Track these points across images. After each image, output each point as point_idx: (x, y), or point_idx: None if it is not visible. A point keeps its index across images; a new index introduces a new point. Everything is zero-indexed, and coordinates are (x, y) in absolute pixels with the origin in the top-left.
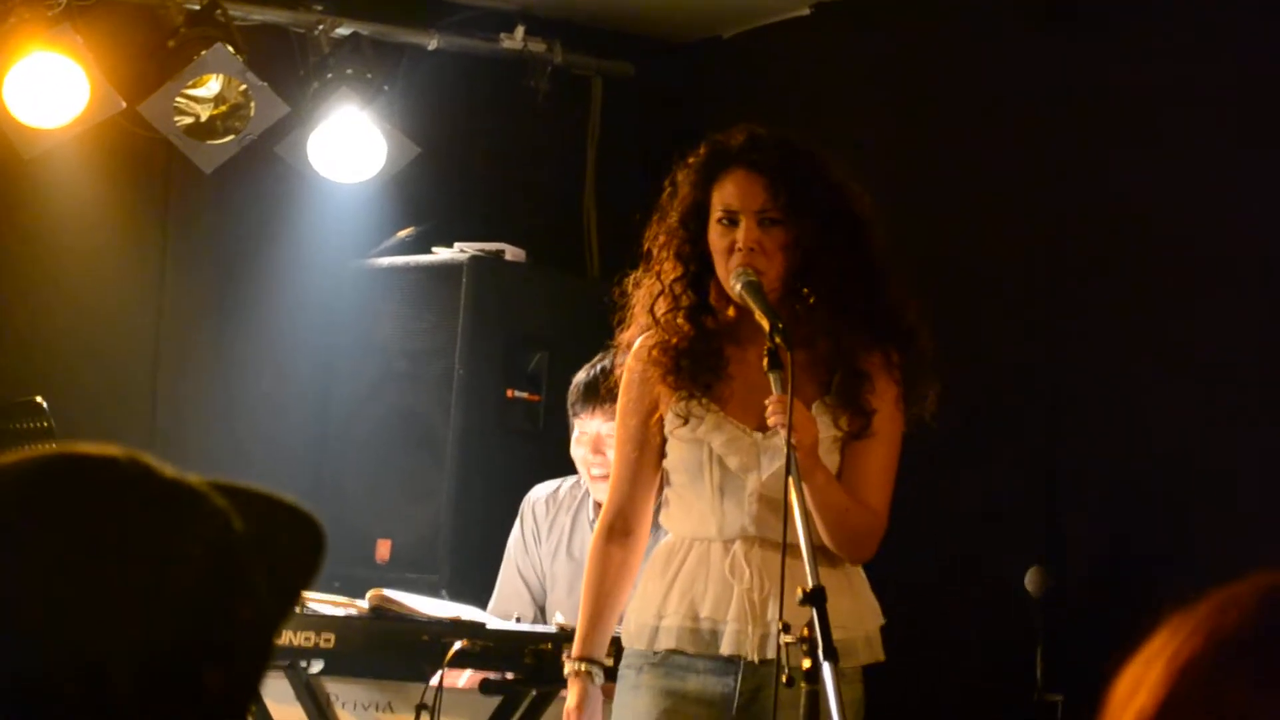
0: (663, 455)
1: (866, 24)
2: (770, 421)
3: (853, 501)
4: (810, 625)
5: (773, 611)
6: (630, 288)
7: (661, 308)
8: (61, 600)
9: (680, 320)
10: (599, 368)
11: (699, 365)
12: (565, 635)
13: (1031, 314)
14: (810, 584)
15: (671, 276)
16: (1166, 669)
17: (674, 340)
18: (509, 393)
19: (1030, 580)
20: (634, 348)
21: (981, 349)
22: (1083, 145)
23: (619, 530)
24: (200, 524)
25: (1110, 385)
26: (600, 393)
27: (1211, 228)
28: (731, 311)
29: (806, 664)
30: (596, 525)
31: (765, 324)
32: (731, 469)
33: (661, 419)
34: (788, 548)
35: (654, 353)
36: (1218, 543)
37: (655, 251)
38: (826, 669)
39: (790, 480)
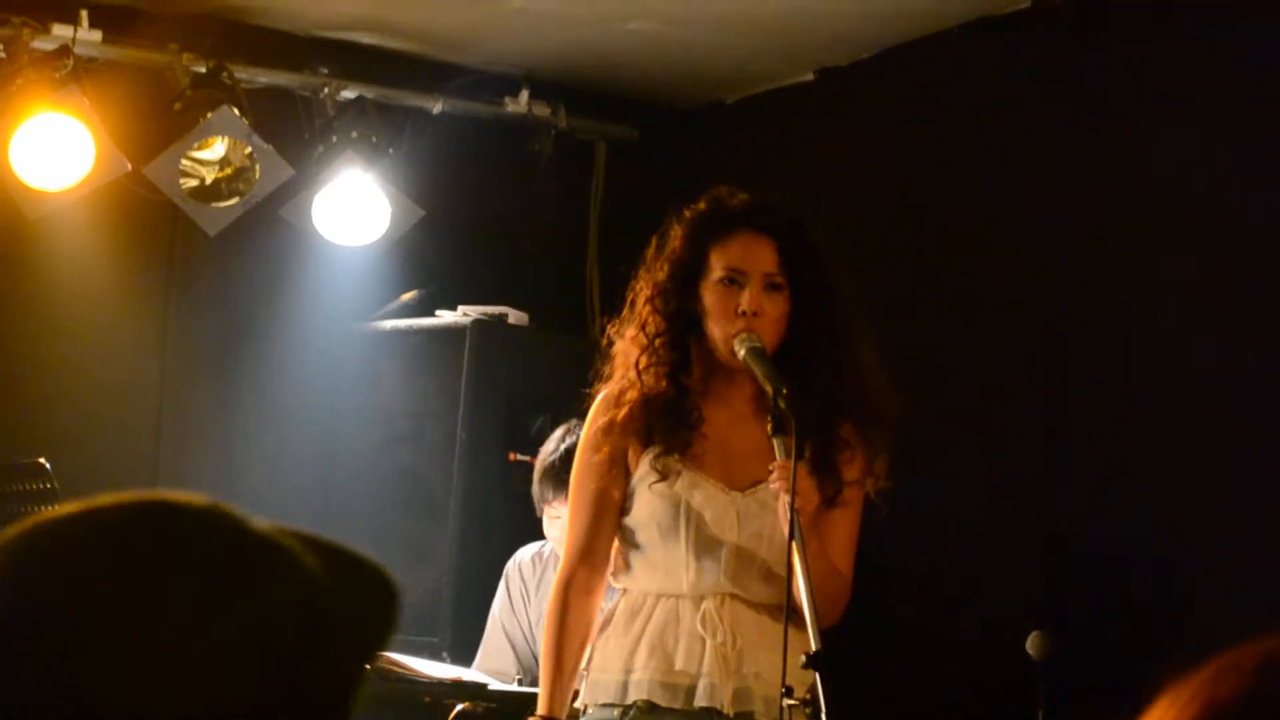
0: (623, 512)
1: (870, 90)
2: (773, 487)
3: (832, 568)
4: (812, 688)
5: (749, 666)
6: (613, 337)
7: (644, 362)
8: (156, 653)
9: (661, 376)
10: (563, 448)
11: (677, 422)
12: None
13: (1032, 370)
14: (813, 647)
15: (655, 330)
16: None
17: (653, 396)
18: (511, 456)
19: (1032, 644)
20: (602, 397)
21: (981, 408)
22: (1085, 209)
23: (581, 587)
24: (290, 580)
25: (1113, 444)
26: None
27: (1216, 258)
28: (699, 368)
29: None
30: (556, 580)
31: (769, 389)
32: (708, 525)
33: (628, 474)
34: (762, 608)
35: (633, 408)
36: (1224, 606)
37: (640, 304)
38: None
39: (795, 545)
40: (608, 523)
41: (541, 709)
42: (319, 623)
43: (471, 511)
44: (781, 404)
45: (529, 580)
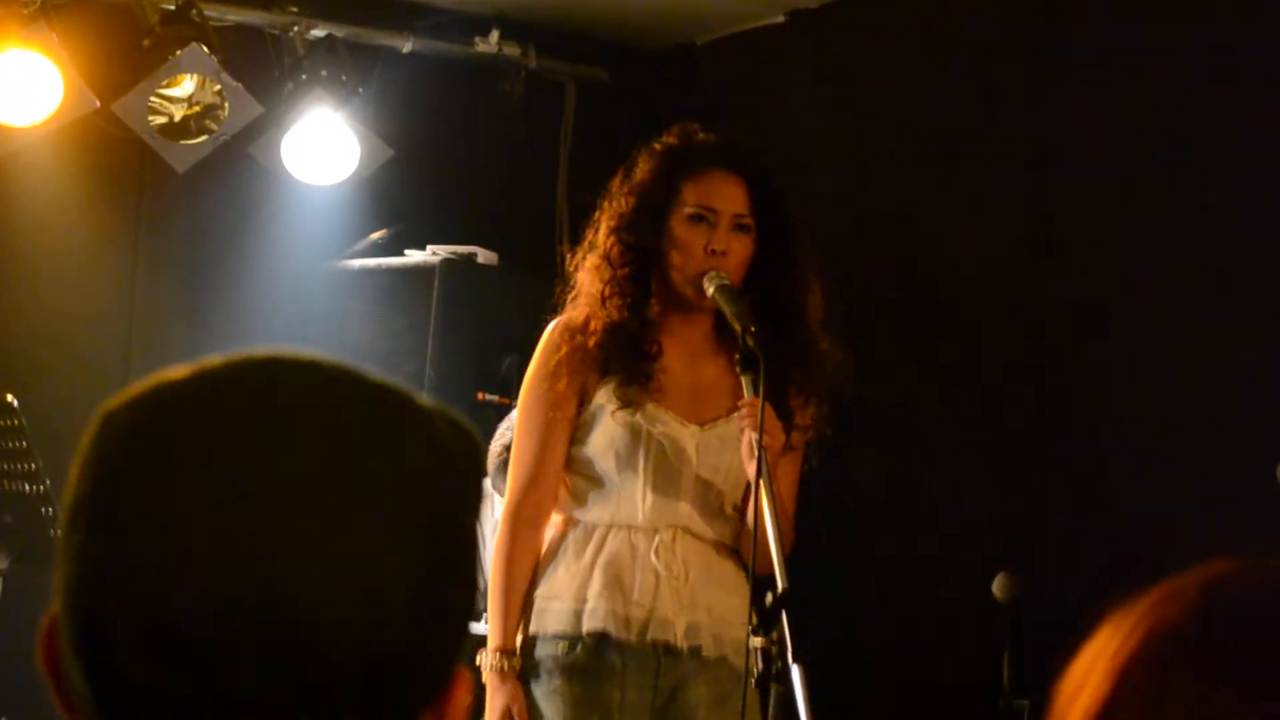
0: (574, 441)
1: (841, 31)
2: (742, 424)
3: (786, 510)
4: (779, 628)
5: (701, 600)
6: (574, 268)
7: (607, 292)
8: (328, 524)
9: (623, 308)
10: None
11: (640, 354)
12: None
13: (1008, 316)
14: (780, 587)
15: (619, 262)
16: (1109, 667)
17: (617, 326)
18: (480, 395)
19: (998, 586)
20: (555, 325)
21: (955, 353)
22: (1063, 150)
23: (529, 517)
24: (427, 433)
25: (1087, 392)
26: None
27: (1201, 228)
28: (658, 302)
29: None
30: (503, 510)
31: (738, 327)
32: (668, 458)
33: (582, 404)
34: (711, 544)
35: (592, 336)
36: (1195, 548)
37: (602, 235)
38: (795, 671)
39: (762, 482)
40: (557, 452)
41: (495, 641)
42: (450, 467)
43: None
44: (750, 342)
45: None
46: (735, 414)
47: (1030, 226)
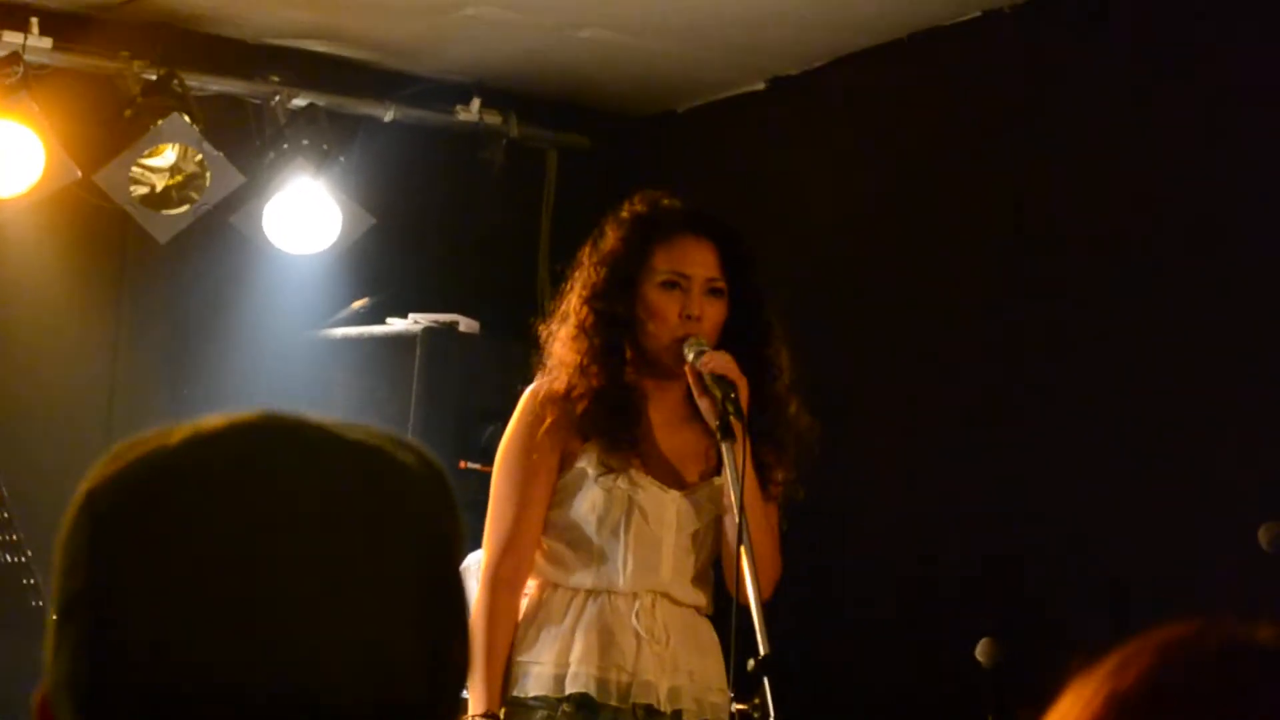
0: (554, 506)
1: (821, 99)
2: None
3: (776, 547)
4: (761, 693)
5: (682, 665)
6: (546, 338)
7: (585, 361)
8: (335, 594)
9: (601, 375)
10: None
11: (622, 419)
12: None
13: (983, 382)
14: (763, 650)
15: (593, 331)
16: None
17: (597, 394)
18: (462, 463)
19: (981, 651)
20: (530, 393)
21: (931, 412)
22: (1037, 216)
23: (506, 580)
24: (411, 487)
25: (1061, 456)
26: None
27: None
28: (633, 370)
29: None
30: (481, 575)
31: (718, 394)
32: (649, 524)
33: (561, 470)
34: (689, 609)
35: (569, 403)
36: (1174, 606)
37: (576, 302)
38: None
39: (742, 550)
40: (534, 516)
41: (478, 706)
42: (435, 519)
43: None
44: (730, 408)
45: (472, 586)
46: (714, 479)
47: (1011, 287)
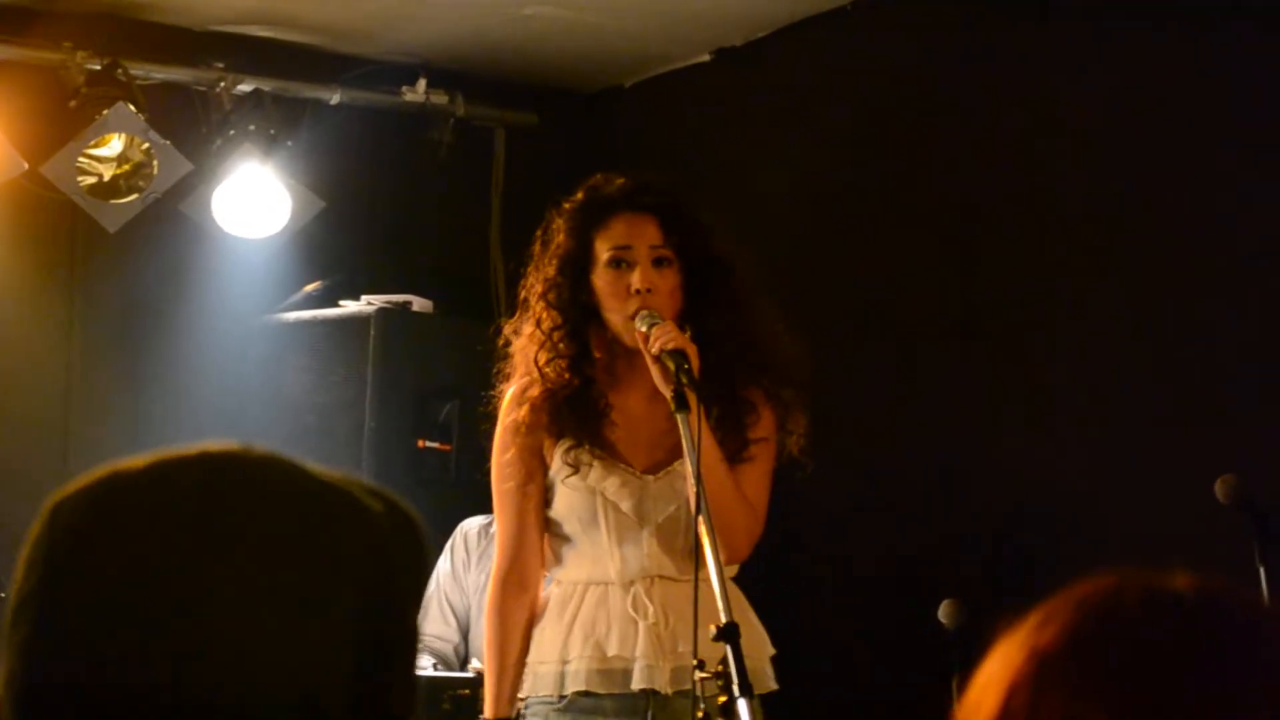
0: (547, 504)
1: (767, 69)
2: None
3: (741, 498)
4: (724, 660)
5: (683, 644)
6: (510, 337)
7: (543, 358)
8: (266, 622)
9: (564, 369)
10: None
11: (585, 413)
12: (483, 680)
13: (943, 349)
14: (723, 619)
15: (551, 325)
16: (997, 690)
17: (558, 390)
18: (420, 443)
19: (944, 613)
20: (509, 396)
21: (890, 380)
22: (984, 184)
23: (515, 584)
24: (361, 522)
25: (1021, 423)
26: None
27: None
28: (601, 354)
29: (722, 699)
30: (491, 577)
31: (670, 365)
32: (625, 513)
33: (547, 467)
34: (690, 584)
35: (538, 402)
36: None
37: (533, 301)
38: (742, 704)
39: (701, 520)
40: (532, 518)
41: (489, 711)
42: (388, 560)
43: None
44: (684, 379)
45: (472, 550)
46: (682, 457)
47: (965, 257)
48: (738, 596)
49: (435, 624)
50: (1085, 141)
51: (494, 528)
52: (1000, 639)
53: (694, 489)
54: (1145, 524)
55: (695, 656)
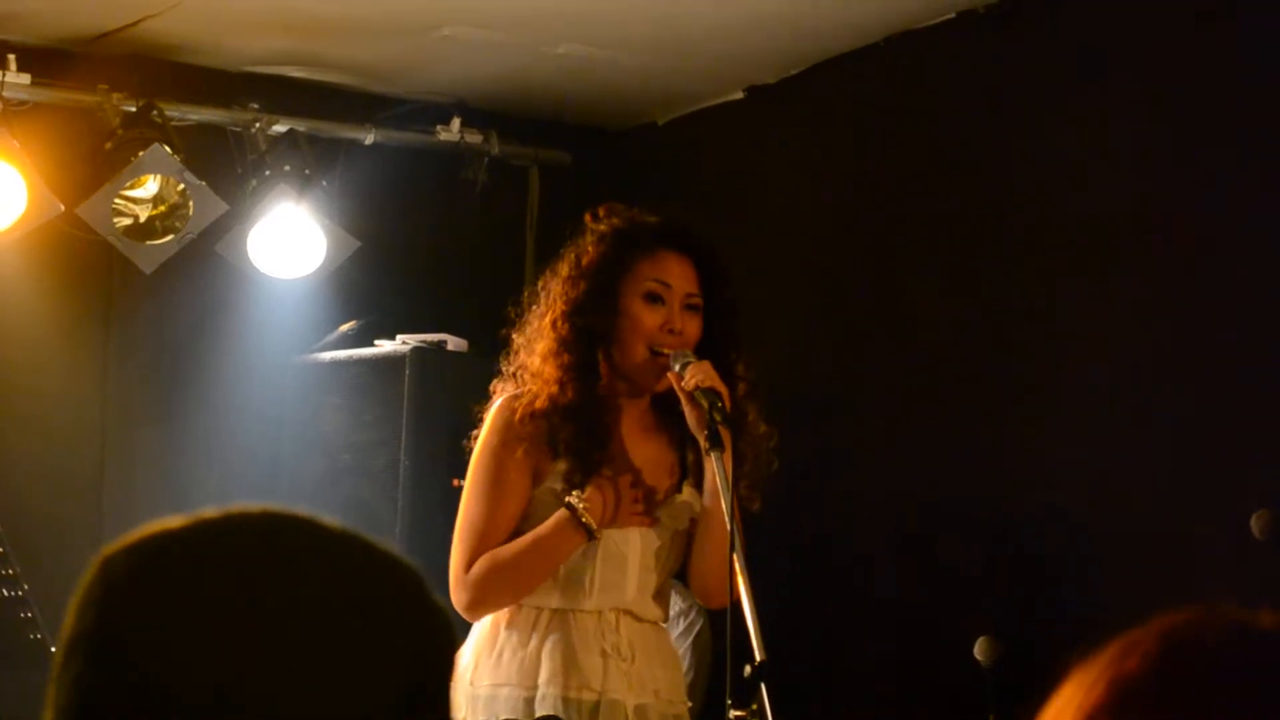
0: (524, 517)
1: (799, 106)
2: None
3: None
4: (759, 700)
5: (649, 682)
6: (516, 347)
7: (555, 374)
8: (290, 666)
9: (574, 391)
10: None
11: (590, 436)
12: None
13: (972, 385)
14: (758, 657)
15: (569, 345)
16: (1071, 719)
17: (566, 408)
18: (455, 481)
19: (980, 649)
20: (502, 403)
21: (921, 414)
22: (1015, 217)
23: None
24: (408, 586)
25: (1057, 455)
26: None
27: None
28: (606, 383)
29: None
30: (454, 572)
31: (705, 404)
32: (615, 542)
33: (537, 480)
34: (650, 625)
35: (539, 414)
36: (1172, 596)
37: (551, 316)
38: None
39: (735, 557)
40: (506, 519)
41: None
42: (432, 627)
43: (418, 537)
44: (718, 417)
45: None
46: (676, 496)
47: (988, 285)
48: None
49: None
50: (1116, 169)
51: None
52: (1075, 669)
53: (727, 527)
54: (1183, 560)
55: (729, 697)
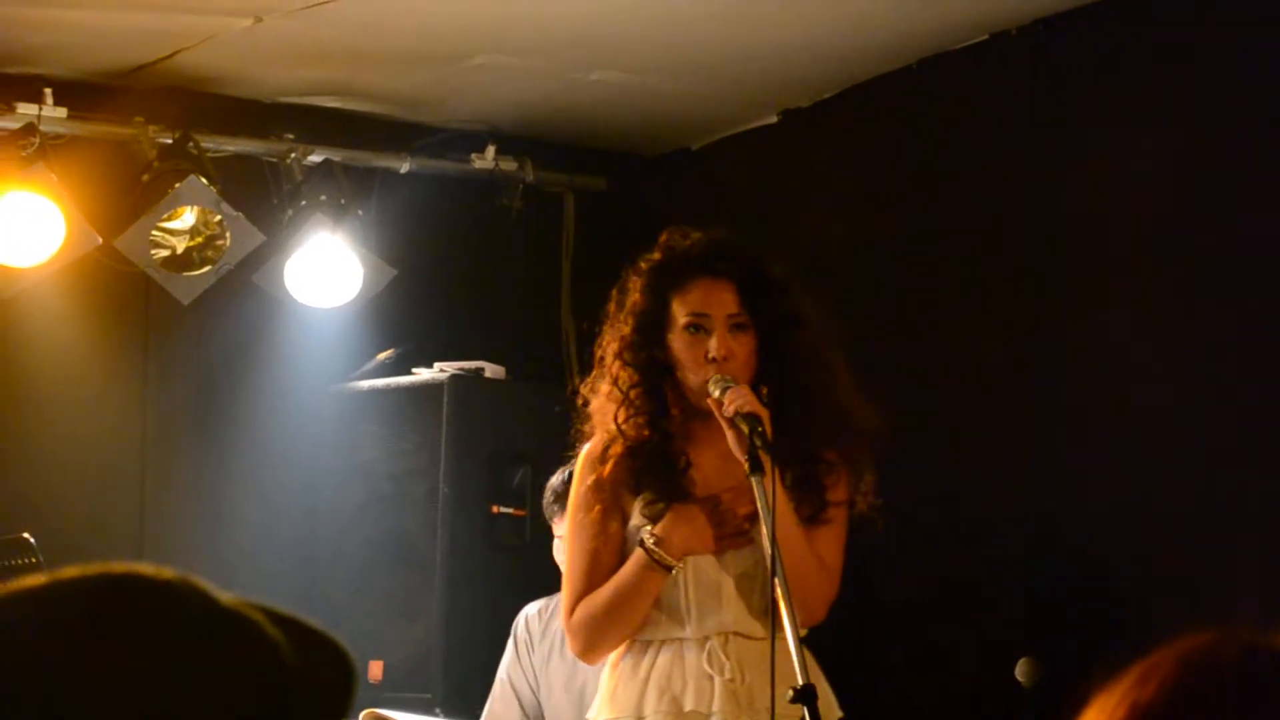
0: (620, 560)
1: (834, 129)
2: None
3: (817, 561)
4: None
5: (760, 701)
6: (587, 395)
7: (622, 415)
8: None
9: (642, 426)
10: (571, 471)
11: (666, 469)
12: None
13: (1006, 410)
14: (800, 681)
15: (628, 383)
16: None
17: (637, 446)
18: (494, 509)
19: (1021, 670)
20: (585, 454)
21: (957, 437)
22: (1050, 239)
23: None
24: (258, 652)
25: (1099, 476)
26: None
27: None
28: (677, 413)
29: None
30: (566, 628)
31: (744, 428)
32: (704, 570)
33: (626, 521)
34: (765, 643)
35: (618, 459)
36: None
37: (609, 359)
38: None
39: (777, 582)
40: (600, 571)
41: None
42: (284, 695)
43: (458, 566)
44: (758, 442)
45: (534, 631)
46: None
47: (1031, 311)
48: (809, 659)
49: (499, 716)
50: (1150, 189)
51: (553, 605)
52: (1094, 695)
53: (770, 551)
54: (1225, 577)
55: (773, 718)
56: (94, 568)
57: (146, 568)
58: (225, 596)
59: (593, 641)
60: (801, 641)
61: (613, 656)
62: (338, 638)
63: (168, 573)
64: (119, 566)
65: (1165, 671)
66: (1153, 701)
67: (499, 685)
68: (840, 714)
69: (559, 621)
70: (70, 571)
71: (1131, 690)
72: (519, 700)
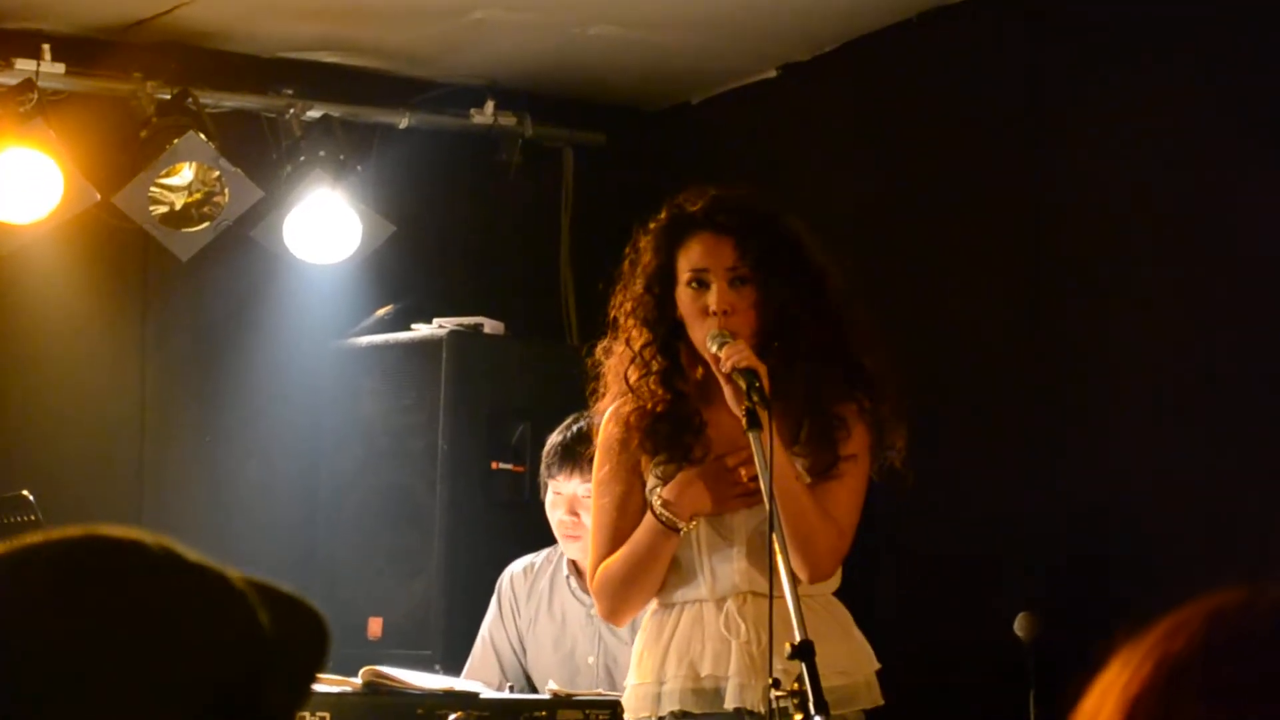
0: (640, 519)
1: (833, 83)
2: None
3: (824, 518)
4: (800, 679)
5: (778, 661)
6: (601, 356)
7: (634, 375)
8: (93, 688)
9: (655, 386)
10: (574, 430)
11: (678, 429)
12: (560, 702)
13: (1012, 363)
14: (798, 637)
15: (641, 343)
16: (1120, 699)
17: (651, 406)
18: (493, 465)
19: (1020, 625)
20: (607, 414)
21: (963, 395)
22: (1051, 192)
23: None
24: (230, 612)
25: (1095, 426)
26: (577, 455)
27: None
28: (700, 372)
29: (799, 718)
30: (592, 584)
31: (741, 384)
32: (717, 529)
33: (643, 483)
34: (783, 601)
35: (632, 419)
36: (1214, 577)
37: (622, 319)
38: None
39: (774, 538)
40: (620, 533)
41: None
42: (258, 655)
43: (457, 522)
44: (755, 397)
45: (519, 591)
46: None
47: (1031, 266)
48: (840, 612)
49: (478, 671)
50: (1164, 147)
51: (538, 563)
52: (1121, 649)
53: (769, 508)
54: (1223, 537)
55: (771, 675)
56: (67, 530)
57: (120, 529)
58: (196, 556)
59: (614, 605)
60: (831, 595)
61: (643, 619)
62: (311, 600)
63: (141, 533)
64: (92, 528)
65: (1195, 626)
66: (1181, 657)
67: (480, 644)
68: (877, 666)
69: (544, 581)
70: (41, 535)
71: (1160, 644)
72: (499, 660)
